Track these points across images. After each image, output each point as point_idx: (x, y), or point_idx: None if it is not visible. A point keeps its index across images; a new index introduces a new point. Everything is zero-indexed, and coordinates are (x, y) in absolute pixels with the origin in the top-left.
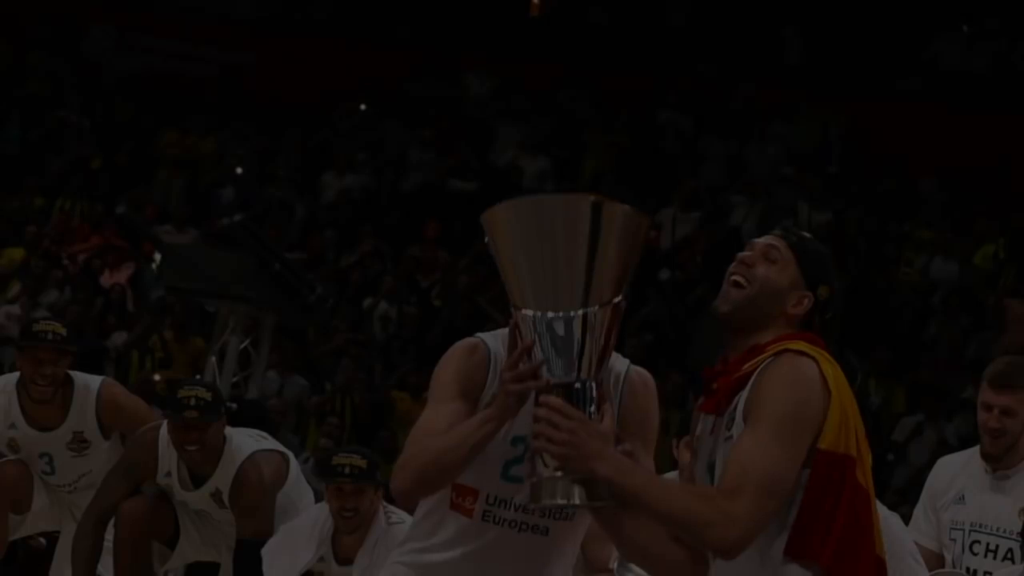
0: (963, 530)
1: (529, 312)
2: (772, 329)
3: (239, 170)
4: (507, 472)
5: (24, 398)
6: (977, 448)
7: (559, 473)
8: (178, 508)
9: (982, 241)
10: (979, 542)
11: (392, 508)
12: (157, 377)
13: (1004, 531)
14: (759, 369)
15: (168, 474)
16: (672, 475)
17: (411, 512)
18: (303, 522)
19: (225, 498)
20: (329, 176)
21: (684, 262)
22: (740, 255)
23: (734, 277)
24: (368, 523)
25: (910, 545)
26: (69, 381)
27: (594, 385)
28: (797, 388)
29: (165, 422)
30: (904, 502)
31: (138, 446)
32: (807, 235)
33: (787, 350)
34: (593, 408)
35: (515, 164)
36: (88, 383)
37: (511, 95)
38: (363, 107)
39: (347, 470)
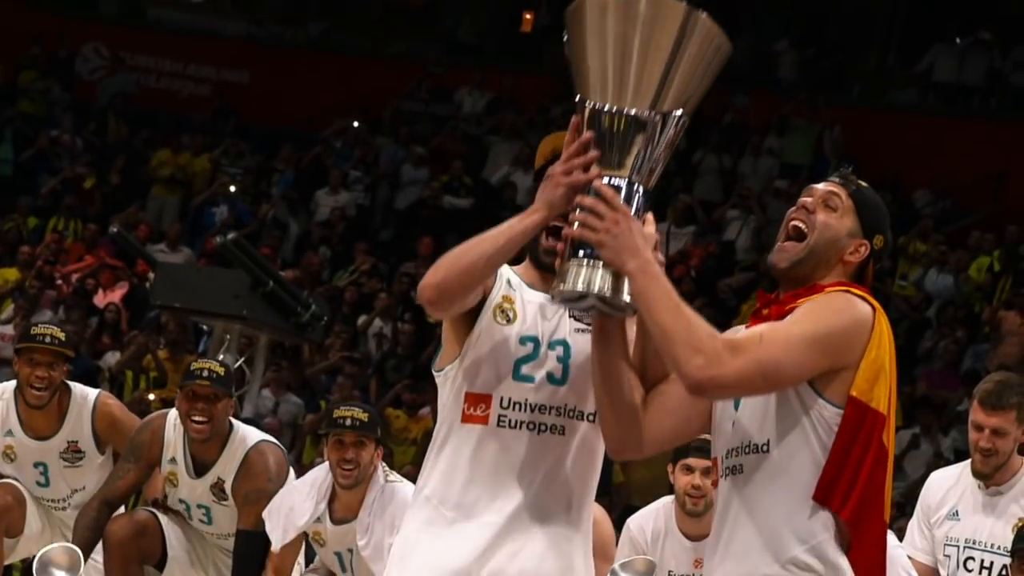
0: (957, 546)
1: (596, 103)
2: (830, 276)
3: (232, 188)
4: (518, 372)
5: (21, 405)
6: (969, 462)
7: (588, 261)
8: (167, 529)
9: (977, 254)
10: (973, 558)
11: (390, 469)
12: (152, 396)
13: (998, 548)
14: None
15: (173, 460)
16: (668, 499)
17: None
18: (303, 482)
19: (228, 487)
20: (323, 194)
21: (679, 277)
22: (801, 200)
23: (794, 222)
24: (367, 480)
25: (903, 560)
26: (67, 390)
27: (644, 192)
28: (843, 316)
29: (173, 409)
30: (900, 515)
31: (145, 429)
32: (864, 183)
33: (848, 291)
34: (638, 214)
35: (508, 180)
36: (86, 394)
37: (504, 111)
38: (356, 124)
39: (348, 421)
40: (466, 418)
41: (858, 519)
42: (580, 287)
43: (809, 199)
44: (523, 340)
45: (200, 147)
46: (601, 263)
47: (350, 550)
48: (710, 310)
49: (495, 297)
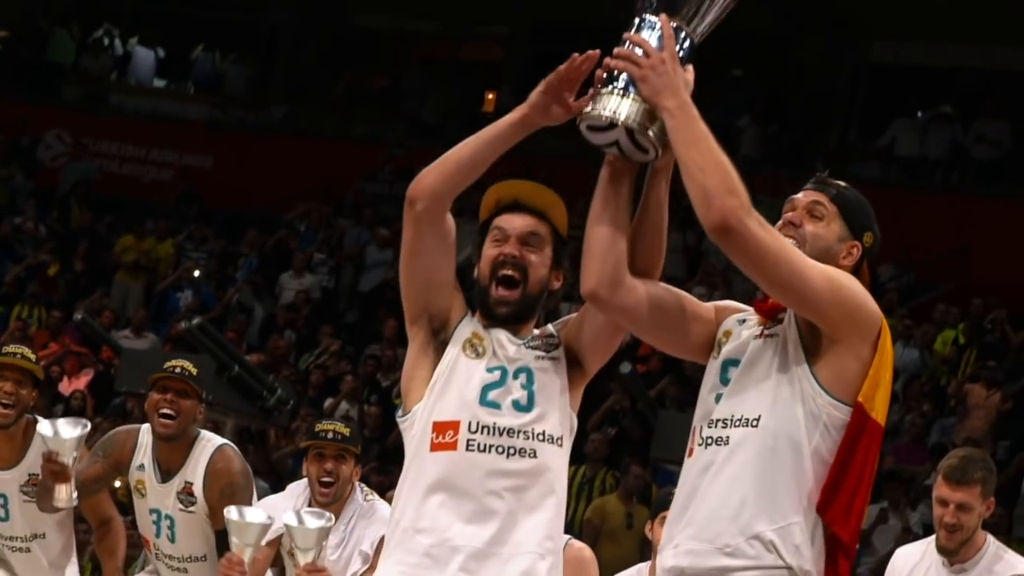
0: None
1: None
2: None
3: (197, 273)
4: (485, 397)
5: None
6: (934, 538)
7: (623, 92)
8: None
9: (942, 327)
10: None
11: (367, 488)
12: (117, 484)
13: None
14: None
15: (141, 467)
16: (643, 565)
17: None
18: (279, 496)
19: (197, 489)
20: (287, 277)
21: (645, 355)
22: (787, 216)
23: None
24: (344, 498)
25: None
26: (33, 423)
27: (690, 43)
28: (863, 292)
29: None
30: None
31: (122, 430)
32: (843, 183)
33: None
34: (682, 62)
35: (471, 261)
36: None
37: (467, 191)
38: (320, 207)
39: (330, 435)
40: (435, 447)
41: (853, 537)
42: (608, 114)
43: (793, 213)
44: (490, 370)
45: (164, 232)
46: (635, 97)
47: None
48: (678, 388)
49: (465, 332)
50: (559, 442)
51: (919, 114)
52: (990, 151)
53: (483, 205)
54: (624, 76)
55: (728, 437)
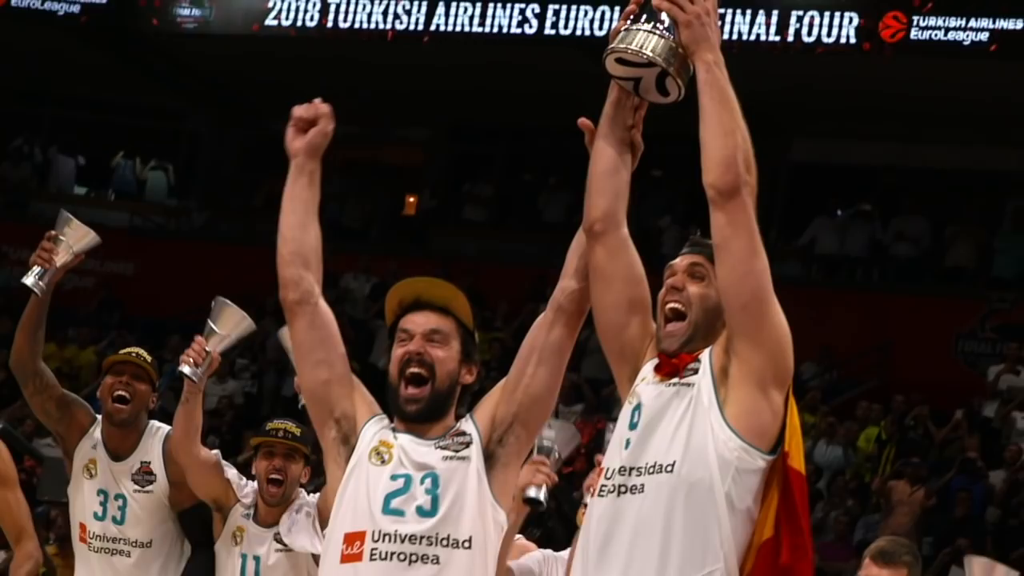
0: None
1: None
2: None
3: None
4: (388, 505)
5: None
6: None
7: (661, 32)
8: None
9: (865, 424)
10: None
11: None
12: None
13: None
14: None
15: (95, 447)
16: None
17: None
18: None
19: (157, 468)
20: (210, 383)
21: (570, 458)
22: (669, 281)
23: (670, 305)
24: (290, 501)
25: None
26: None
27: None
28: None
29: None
30: None
31: (81, 409)
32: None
33: None
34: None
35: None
36: None
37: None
38: None
39: (280, 433)
40: (344, 558)
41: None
42: (649, 52)
43: (675, 278)
44: (394, 477)
45: (86, 340)
46: (675, 40)
47: None
48: None
49: (371, 438)
50: (466, 544)
51: (839, 212)
52: (909, 248)
53: (387, 308)
54: (666, 17)
55: (643, 485)
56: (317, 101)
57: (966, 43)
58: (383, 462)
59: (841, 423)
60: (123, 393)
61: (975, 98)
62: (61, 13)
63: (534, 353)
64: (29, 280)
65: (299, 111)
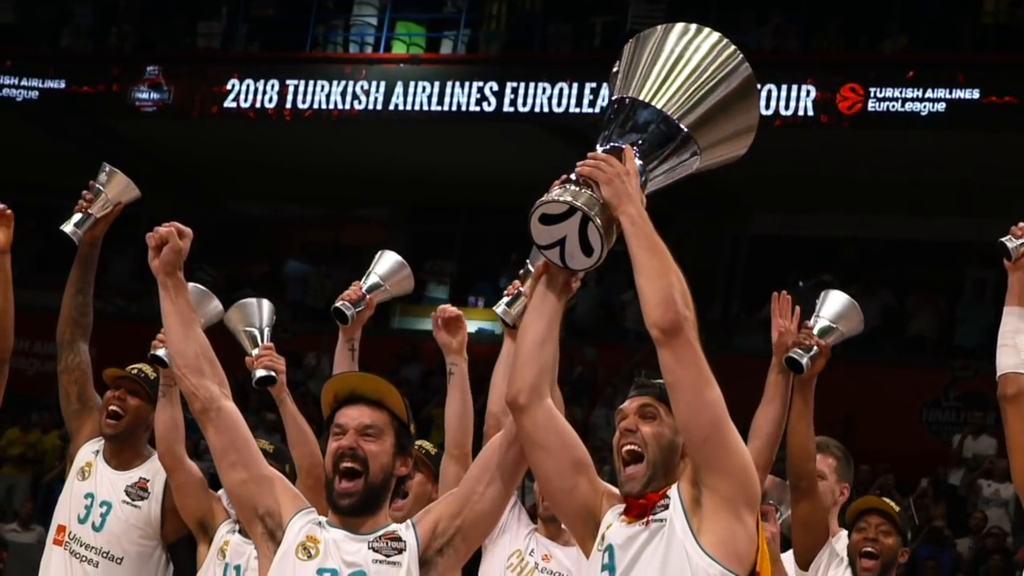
0: None
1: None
2: (681, 473)
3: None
4: None
5: None
6: None
7: (583, 188)
8: None
9: None
10: None
11: None
12: None
13: None
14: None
15: (97, 452)
16: None
17: None
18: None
19: (153, 487)
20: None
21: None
22: (621, 425)
23: (627, 447)
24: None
25: None
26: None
27: (647, 175)
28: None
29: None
30: None
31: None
32: (661, 380)
33: None
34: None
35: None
36: None
37: None
38: None
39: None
40: None
41: None
42: (569, 198)
43: (627, 420)
44: (321, 571)
45: (49, 424)
46: (597, 195)
47: None
48: None
49: (299, 536)
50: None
51: (800, 283)
52: (871, 319)
53: (323, 402)
54: (586, 179)
55: None
56: (164, 225)
57: (923, 114)
58: (309, 557)
59: None
60: (116, 408)
61: (934, 168)
62: (20, 99)
63: (486, 473)
64: (68, 228)
65: (149, 238)
